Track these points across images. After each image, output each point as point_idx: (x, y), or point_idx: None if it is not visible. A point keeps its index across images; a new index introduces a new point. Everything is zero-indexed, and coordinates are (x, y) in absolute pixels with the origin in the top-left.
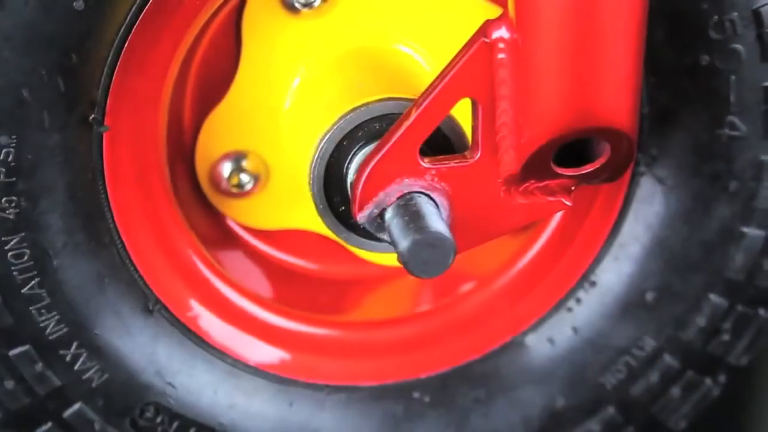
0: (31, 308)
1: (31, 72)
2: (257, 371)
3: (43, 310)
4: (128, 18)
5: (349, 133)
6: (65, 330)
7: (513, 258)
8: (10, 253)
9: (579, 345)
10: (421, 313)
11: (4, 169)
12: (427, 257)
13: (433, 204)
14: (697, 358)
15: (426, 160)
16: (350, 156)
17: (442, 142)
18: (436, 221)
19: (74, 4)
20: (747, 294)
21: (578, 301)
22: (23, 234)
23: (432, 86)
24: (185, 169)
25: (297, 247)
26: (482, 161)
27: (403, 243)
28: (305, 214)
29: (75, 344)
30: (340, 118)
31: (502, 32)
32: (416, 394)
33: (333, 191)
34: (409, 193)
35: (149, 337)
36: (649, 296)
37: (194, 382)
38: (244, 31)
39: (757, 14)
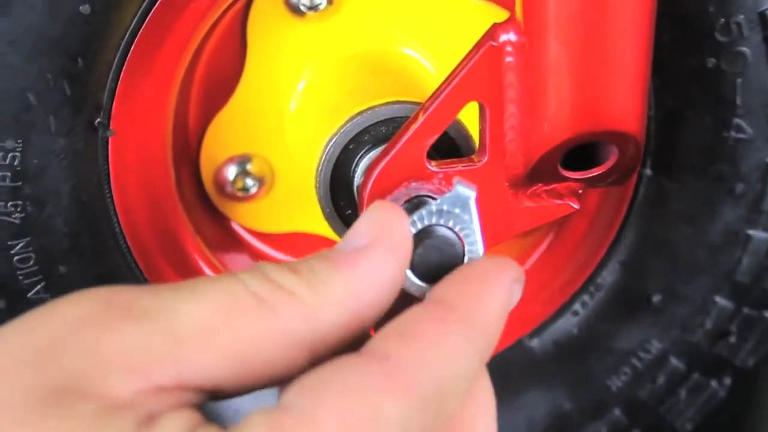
0: None
1: (37, 76)
2: None
3: None
4: (134, 22)
5: (355, 136)
6: None
7: (518, 261)
8: (15, 258)
9: (584, 348)
10: None
11: (9, 174)
12: (435, 261)
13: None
14: (703, 360)
15: (433, 163)
16: (357, 160)
17: (450, 146)
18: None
19: (80, 8)
20: (753, 296)
21: (584, 304)
22: (29, 238)
23: (439, 90)
24: (190, 173)
25: (303, 250)
26: (490, 165)
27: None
28: (311, 218)
29: None
30: (347, 122)
31: (509, 35)
32: None
33: (339, 195)
34: (417, 196)
35: None
36: (655, 299)
37: None
38: (249, 34)
39: (763, 17)
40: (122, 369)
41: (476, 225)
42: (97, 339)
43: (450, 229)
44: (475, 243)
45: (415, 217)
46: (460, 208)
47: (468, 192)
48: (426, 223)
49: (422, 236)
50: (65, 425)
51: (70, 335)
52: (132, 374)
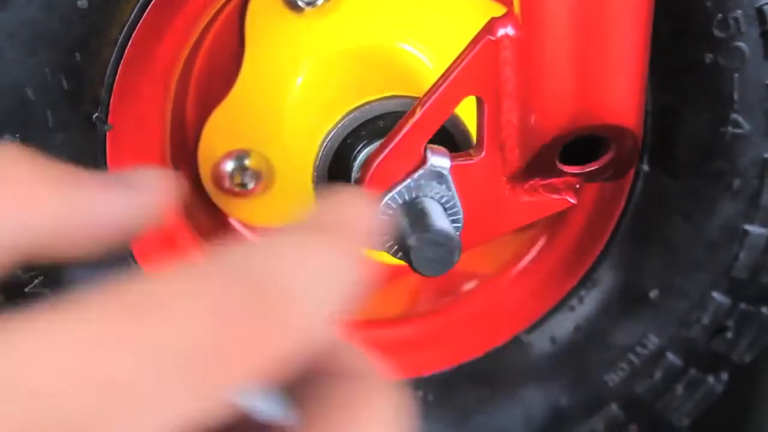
0: None
1: (34, 71)
2: None
3: None
4: (132, 16)
5: (353, 131)
6: None
7: (515, 256)
8: None
9: (581, 343)
10: (423, 312)
11: None
12: (432, 255)
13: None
14: (700, 355)
15: None
16: (354, 154)
17: (447, 140)
18: (441, 219)
19: (78, 2)
20: (750, 292)
21: (580, 299)
22: None
23: (437, 84)
24: (188, 168)
25: None
26: (487, 159)
27: (409, 241)
28: None
29: None
30: (344, 117)
31: (507, 30)
32: (420, 393)
33: None
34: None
35: None
36: (652, 294)
37: None
38: (247, 30)
39: (761, 12)
40: None
41: (455, 192)
42: None
43: (432, 198)
44: (458, 212)
45: (395, 193)
46: (438, 179)
47: (443, 162)
48: (406, 198)
49: (420, 227)
50: None
51: None
52: None
